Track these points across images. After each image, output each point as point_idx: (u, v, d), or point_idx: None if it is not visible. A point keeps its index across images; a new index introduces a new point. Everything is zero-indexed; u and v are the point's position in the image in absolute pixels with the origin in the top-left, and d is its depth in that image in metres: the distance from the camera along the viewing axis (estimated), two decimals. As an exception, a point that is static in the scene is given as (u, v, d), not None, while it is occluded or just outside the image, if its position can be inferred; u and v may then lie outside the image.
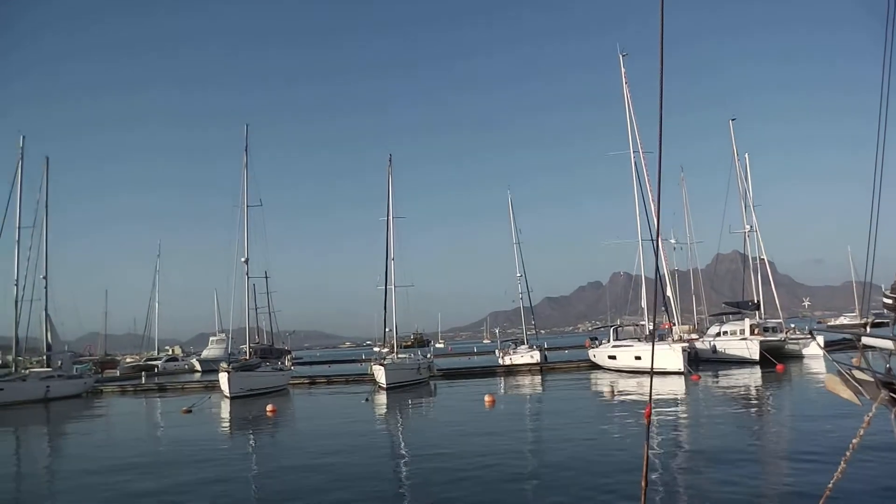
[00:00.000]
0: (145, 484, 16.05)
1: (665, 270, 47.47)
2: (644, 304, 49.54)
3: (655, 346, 42.86)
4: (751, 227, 55.41)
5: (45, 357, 52.53)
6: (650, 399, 9.39)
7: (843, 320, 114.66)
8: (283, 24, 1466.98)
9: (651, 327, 49.84)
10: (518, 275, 64.89)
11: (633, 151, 48.41)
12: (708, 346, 51.68)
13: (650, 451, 11.98)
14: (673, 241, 70.01)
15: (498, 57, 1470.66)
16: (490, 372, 54.10)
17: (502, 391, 38.35)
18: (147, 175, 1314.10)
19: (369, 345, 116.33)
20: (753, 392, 31.82)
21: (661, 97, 8.06)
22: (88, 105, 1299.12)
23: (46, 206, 52.02)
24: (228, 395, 40.27)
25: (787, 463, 15.16)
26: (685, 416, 24.55)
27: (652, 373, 9.18)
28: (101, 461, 20.01)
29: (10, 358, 54.09)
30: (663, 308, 47.75)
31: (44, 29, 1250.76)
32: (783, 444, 17.88)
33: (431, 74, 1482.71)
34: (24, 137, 51.30)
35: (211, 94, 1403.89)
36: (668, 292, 48.56)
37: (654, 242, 46.44)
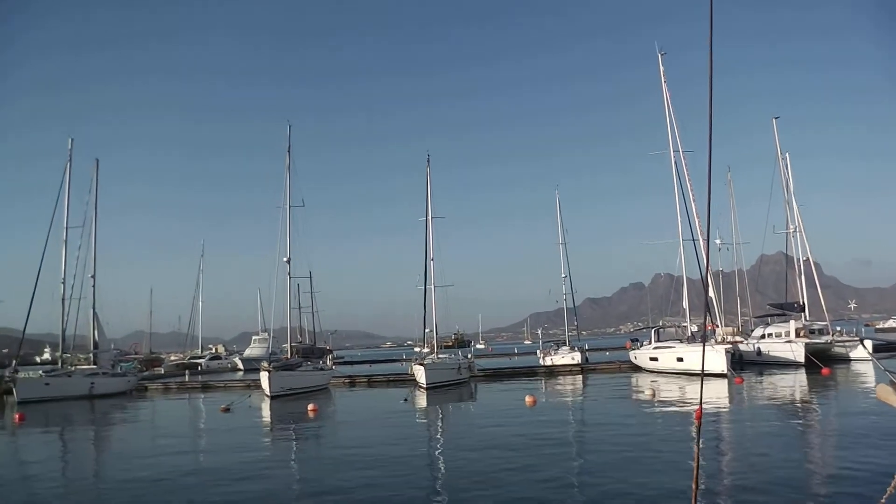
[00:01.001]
0: (181, 480, 16.35)
1: (709, 271, 46.77)
2: (686, 305, 48.98)
3: (697, 349, 42.60)
4: (795, 227, 54.48)
5: (92, 354, 53.67)
6: (700, 401, 9.26)
7: (892, 323, 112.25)
8: (324, 22, 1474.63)
9: (693, 329, 49.44)
10: (563, 275, 64.58)
11: (674, 150, 47.91)
12: (752, 349, 51.00)
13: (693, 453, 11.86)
14: (718, 241, 69.06)
15: (540, 57, 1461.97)
16: (531, 372, 53.90)
17: (543, 392, 38.16)
18: (192, 173, 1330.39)
19: (410, 345, 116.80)
20: (798, 395, 31.28)
21: (711, 95, 7.99)
22: (134, 97, 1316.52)
23: (96, 207, 53.25)
24: (269, 393, 40.60)
25: (834, 471, 14.86)
26: (728, 418, 24.25)
27: (703, 375, 9.12)
28: (133, 460, 20.37)
29: (57, 354, 55.36)
30: (705, 310, 47.20)
31: (88, 13, 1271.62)
32: (830, 451, 17.55)
33: (474, 75, 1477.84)
34: (72, 140, 52.61)
35: (256, 90, 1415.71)
36: (712, 293, 47.93)
37: (696, 243, 45.98)
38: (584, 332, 79.29)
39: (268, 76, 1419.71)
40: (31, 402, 42.19)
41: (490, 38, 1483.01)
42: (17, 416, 34.32)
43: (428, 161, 52.80)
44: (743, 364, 48.19)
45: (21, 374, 48.46)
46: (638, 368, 50.63)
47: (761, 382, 37.67)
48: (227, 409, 34.20)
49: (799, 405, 27.72)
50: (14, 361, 57.25)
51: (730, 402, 28.93)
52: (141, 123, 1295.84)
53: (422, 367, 42.54)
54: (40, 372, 53.06)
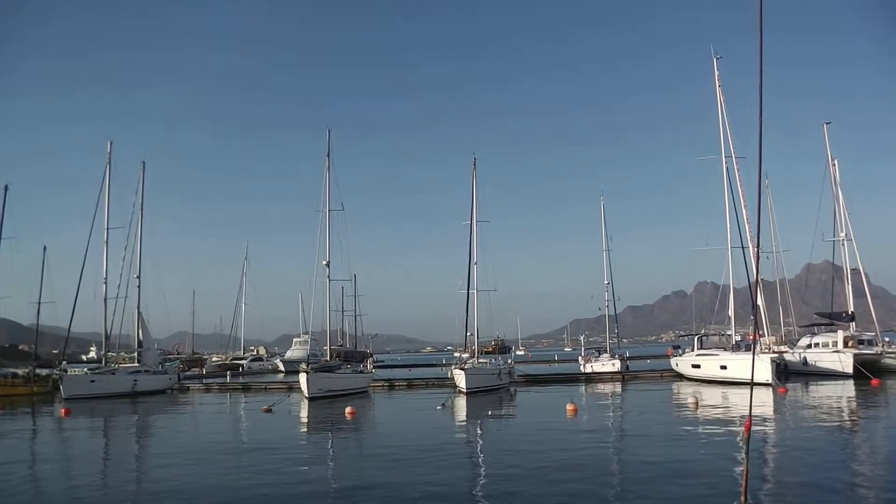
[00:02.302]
0: (221, 479, 16.51)
1: (757, 279, 46.06)
2: (732, 313, 48.22)
3: (742, 357, 41.96)
4: (845, 234, 53.28)
5: (136, 353, 54.63)
6: (750, 411, 9.07)
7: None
8: (363, 36, 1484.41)
9: (737, 337, 48.64)
10: (606, 282, 64.00)
11: (726, 156, 47.23)
12: (798, 359, 50.05)
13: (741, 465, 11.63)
14: (755, 249, 67.81)
15: (586, 73, 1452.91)
16: (571, 379, 53.51)
17: (584, 399, 37.84)
18: (235, 177, 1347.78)
19: (450, 349, 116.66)
20: (846, 406, 30.62)
21: (761, 102, 7.86)
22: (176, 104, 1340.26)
23: (141, 209, 54.26)
24: (307, 395, 40.83)
25: (883, 482, 14.49)
26: (773, 429, 23.78)
27: (752, 384, 8.93)
28: (176, 457, 20.61)
29: (102, 353, 56.41)
30: (752, 318, 46.43)
31: (118, 19, 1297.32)
32: (881, 465, 17.09)
33: (521, 88, 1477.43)
34: (111, 143, 53.80)
35: (296, 103, 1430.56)
36: (760, 302, 47.08)
37: (745, 250, 45.28)
38: (624, 340, 78.55)
39: (309, 87, 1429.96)
40: (76, 399, 43.07)
41: (537, 56, 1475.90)
42: (63, 410, 35.19)
43: (474, 164, 52.70)
44: (787, 374, 47.33)
45: (68, 372, 49.51)
46: (679, 376, 50.01)
47: (807, 393, 36.96)
48: (269, 410, 34.55)
49: (847, 417, 27.09)
50: (61, 359, 58.68)
51: (774, 413, 28.36)
52: (184, 128, 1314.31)
53: (462, 372, 42.44)
54: (85, 369, 54.13)
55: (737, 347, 46.45)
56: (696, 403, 32.11)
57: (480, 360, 50.49)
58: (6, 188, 55.91)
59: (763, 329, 49.65)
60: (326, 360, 50.35)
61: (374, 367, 61.27)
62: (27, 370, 55.76)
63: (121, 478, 17.86)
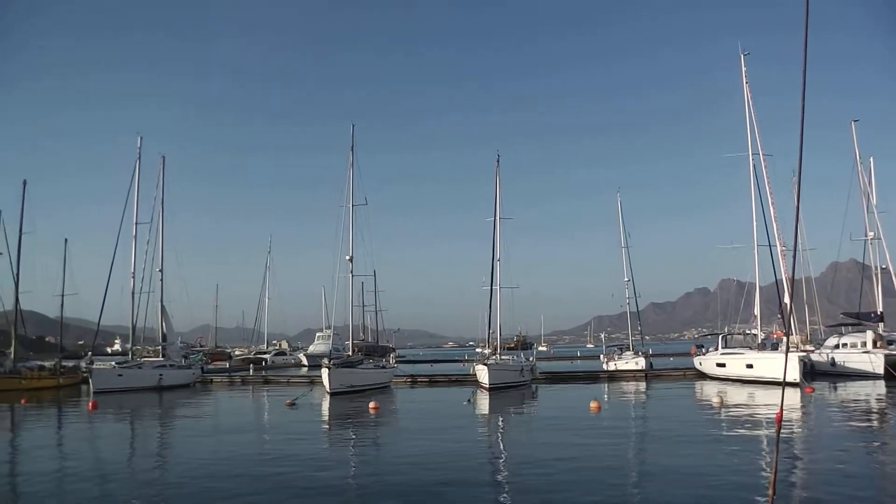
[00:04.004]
0: (247, 470, 16.58)
1: (784, 277, 45.59)
2: (758, 311, 47.77)
3: (769, 356, 41.56)
4: (874, 233, 52.58)
5: (160, 347, 55.11)
6: (782, 403, 8.96)
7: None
8: (390, 27, 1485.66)
9: (762, 336, 48.14)
10: (626, 279, 63.69)
11: (753, 154, 46.77)
12: (825, 359, 49.45)
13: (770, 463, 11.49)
14: (783, 248, 67.13)
15: (608, 65, 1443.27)
16: (593, 377, 53.27)
17: (606, 397, 37.64)
18: (257, 170, 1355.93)
19: (472, 345, 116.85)
20: (876, 407, 30.24)
21: (804, 99, 7.70)
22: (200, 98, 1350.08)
23: (162, 203, 54.62)
24: (329, 390, 40.91)
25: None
26: (800, 428, 23.57)
27: (784, 382, 8.81)
28: (202, 450, 20.75)
29: (127, 346, 56.90)
30: (779, 316, 45.97)
31: (148, 22, 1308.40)
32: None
33: (543, 81, 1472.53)
34: (141, 138, 54.09)
35: (321, 91, 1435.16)
36: (787, 300, 46.54)
37: (773, 248, 44.79)
38: (647, 337, 78.01)
39: (334, 79, 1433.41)
40: (104, 392, 43.52)
41: (560, 47, 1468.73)
42: (90, 404, 35.52)
43: (497, 161, 52.52)
44: (814, 374, 46.80)
45: (96, 365, 50.00)
46: (703, 375, 49.62)
47: (836, 393, 36.55)
48: (292, 404, 34.70)
49: (876, 418, 26.75)
50: (89, 352, 59.31)
51: (801, 412, 28.07)
52: (207, 121, 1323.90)
53: (485, 368, 42.37)
54: (113, 363, 54.61)
55: (763, 346, 46.02)
56: (721, 402, 31.84)
57: (503, 357, 50.38)
58: (24, 183, 56.49)
59: (793, 328, 48.93)
60: (349, 355, 50.44)
61: (396, 363, 61.33)
62: (54, 362, 56.42)
63: (149, 470, 17.98)
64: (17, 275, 55.44)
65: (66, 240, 62.88)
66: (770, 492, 8.14)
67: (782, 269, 45.93)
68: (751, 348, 46.50)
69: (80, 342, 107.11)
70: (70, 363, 58.33)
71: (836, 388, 38.56)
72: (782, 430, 21.95)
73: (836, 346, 50.21)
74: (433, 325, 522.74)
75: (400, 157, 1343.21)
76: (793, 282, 36.05)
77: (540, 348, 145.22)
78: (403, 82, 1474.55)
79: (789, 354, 38.70)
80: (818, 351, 52.07)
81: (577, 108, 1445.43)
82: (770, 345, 47.15)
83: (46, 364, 56.67)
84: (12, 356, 54.61)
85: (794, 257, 9.53)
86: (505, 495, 14.09)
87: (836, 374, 46.70)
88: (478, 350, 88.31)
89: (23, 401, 38.80)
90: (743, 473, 15.20)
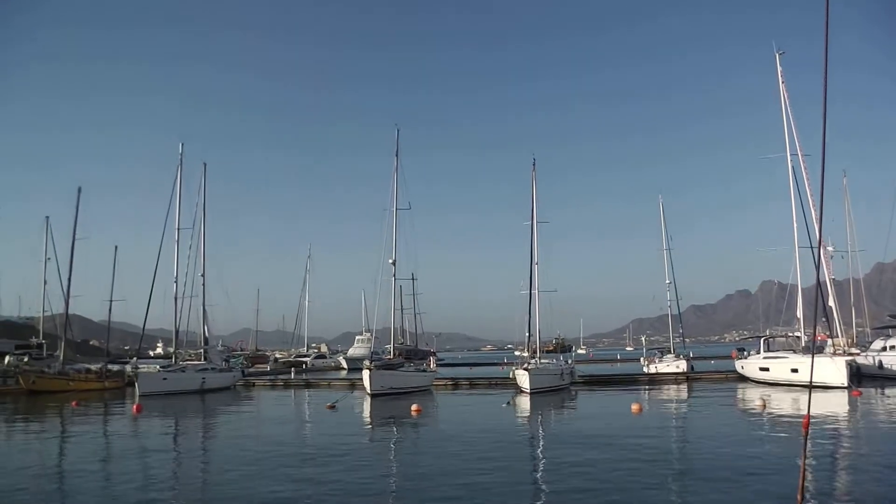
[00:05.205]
0: (294, 471, 16.79)
1: (828, 279, 44.92)
2: (800, 314, 47.03)
3: (815, 359, 40.84)
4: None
5: (202, 350, 55.94)
6: (808, 410, 8.94)
7: None
8: (431, 30, 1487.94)
9: (804, 338, 47.36)
10: (667, 281, 63.24)
11: (792, 154, 46.14)
12: (872, 362, 48.56)
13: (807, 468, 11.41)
14: (830, 248, 66.05)
15: (644, 67, 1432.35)
16: (633, 380, 52.91)
17: (647, 401, 37.35)
18: (297, 173, 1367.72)
19: (510, 348, 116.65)
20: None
21: (826, 96, 7.68)
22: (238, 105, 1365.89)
23: (204, 209, 55.45)
24: (370, 392, 41.22)
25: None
26: (845, 432, 23.21)
27: (811, 385, 8.78)
28: (246, 450, 21.00)
29: (169, 350, 57.92)
30: (824, 319, 45.20)
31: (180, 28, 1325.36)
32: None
33: (582, 81, 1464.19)
34: (182, 145, 55.04)
35: (364, 92, 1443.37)
36: (831, 303, 45.82)
37: (814, 250, 44.13)
38: (687, 340, 77.24)
39: (377, 80, 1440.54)
40: (149, 396, 44.31)
41: (595, 46, 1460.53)
42: (135, 407, 36.22)
43: (534, 165, 52.32)
44: (861, 377, 45.95)
45: (142, 369, 51.00)
46: (744, 379, 48.96)
47: (885, 397, 35.89)
48: (332, 407, 35.04)
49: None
50: (134, 357, 60.52)
51: (848, 416, 27.64)
52: (250, 124, 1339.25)
53: (526, 372, 42.31)
54: (157, 367, 55.59)
55: (807, 350, 45.33)
56: (764, 405, 31.46)
57: (543, 361, 50.29)
58: (79, 190, 57.82)
59: (837, 331, 47.99)
60: (390, 358, 50.70)
61: (436, 366, 61.50)
62: (100, 366, 57.61)
63: (194, 471, 18.33)
64: (70, 280, 56.79)
65: (116, 247, 64.23)
66: (798, 497, 8.12)
67: (825, 271, 45.24)
68: (794, 351, 45.84)
69: (125, 347, 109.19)
70: (115, 367, 59.52)
71: (883, 392, 37.88)
72: (828, 433, 21.83)
73: (883, 349, 49.29)
74: (470, 327, 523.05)
75: (439, 157, 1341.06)
76: (818, 282, 35.48)
77: (579, 351, 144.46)
78: (442, 83, 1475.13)
79: (835, 358, 38.23)
80: (865, 354, 51.17)
81: (613, 110, 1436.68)
82: (818, 348, 46.44)
83: (92, 367, 57.95)
84: (61, 358, 55.99)
85: (819, 258, 9.48)
86: (551, 496, 14.13)
87: (884, 377, 45.84)
88: (516, 353, 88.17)
89: (73, 403, 39.66)
90: (776, 475, 15.02)
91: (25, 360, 56.13)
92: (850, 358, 40.73)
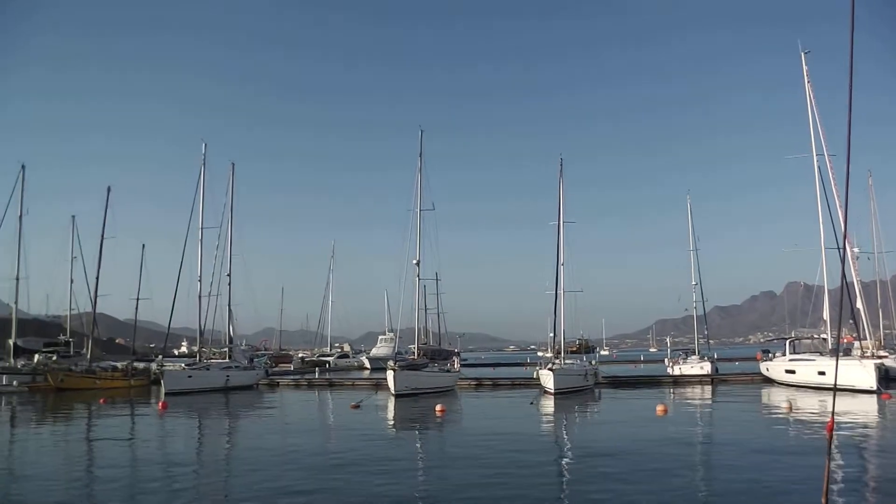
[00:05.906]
0: (313, 471, 16.90)
1: (855, 280, 44.39)
2: (827, 316, 46.50)
3: (843, 362, 40.46)
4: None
5: (227, 349, 56.37)
6: (832, 413, 8.88)
7: None
8: (455, 44, 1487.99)
9: (830, 340, 46.82)
10: (693, 283, 62.78)
11: (817, 154, 45.60)
12: (901, 365, 47.90)
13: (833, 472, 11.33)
14: (856, 249, 65.17)
15: (673, 80, 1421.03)
16: (656, 381, 52.60)
17: (672, 402, 37.11)
18: (320, 175, 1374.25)
19: (534, 349, 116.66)
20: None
21: (851, 90, 7.64)
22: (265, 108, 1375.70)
23: (231, 208, 55.88)
24: (394, 392, 41.32)
25: None
26: (873, 436, 22.96)
27: (835, 388, 8.75)
28: (269, 450, 21.20)
29: (194, 348, 58.43)
30: (851, 321, 44.64)
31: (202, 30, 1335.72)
32: None
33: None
34: (206, 145, 55.56)
35: (387, 103, 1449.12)
36: (859, 304, 45.22)
37: (840, 251, 43.64)
38: (711, 341, 76.60)
39: (400, 91, 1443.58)
40: (175, 393, 44.76)
41: (630, 59, 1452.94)
42: (160, 404, 36.67)
43: (561, 165, 51.91)
44: (889, 381, 45.39)
45: (168, 367, 51.50)
46: (770, 381, 48.51)
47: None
48: (356, 406, 35.18)
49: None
50: (160, 355, 61.17)
51: (877, 420, 27.36)
52: (275, 131, 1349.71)
53: (550, 373, 42.19)
54: (182, 365, 56.15)
55: (834, 352, 44.80)
56: (790, 408, 31.19)
57: (566, 361, 50.14)
58: (109, 190, 58.49)
59: (867, 333, 47.27)
60: (414, 358, 50.79)
61: (460, 366, 61.55)
62: (126, 363, 58.24)
63: (218, 468, 18.49)
64: (98, 278, 57.49)
65: (143, 245, 64.89)
66: (823, 501, 8.07)
67: (852, 272, 44.66)
68: (821, 354, 45.34)
69: (150, 345, 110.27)
70: (140, 365, 60.12)
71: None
72: (856, 437, 21.59)
73: (913, 351, 48.66)
74: (494, 328, 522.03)
75: (461, 158, 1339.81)
76: (843, 282, 34.83)
77: (602, 352, 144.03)
78: (466, 95, 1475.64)
79: (864, 361, 37.77)
80: (893, 356, 50.49)
81: (637, 116, 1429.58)
82: (843, 350, 45.92)
83: (119, 365, 58.60)
84: (88, 356, 56.68)
85: (844, 257, 9.40)
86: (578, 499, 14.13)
87: (913, 381, 45.24)
88: (540, 354, 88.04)
89: (101, 400, 40.15)
90: (802, 483, 14.90)
91: (53, 358, 56.85)
92: (878, 361, 40.23)
